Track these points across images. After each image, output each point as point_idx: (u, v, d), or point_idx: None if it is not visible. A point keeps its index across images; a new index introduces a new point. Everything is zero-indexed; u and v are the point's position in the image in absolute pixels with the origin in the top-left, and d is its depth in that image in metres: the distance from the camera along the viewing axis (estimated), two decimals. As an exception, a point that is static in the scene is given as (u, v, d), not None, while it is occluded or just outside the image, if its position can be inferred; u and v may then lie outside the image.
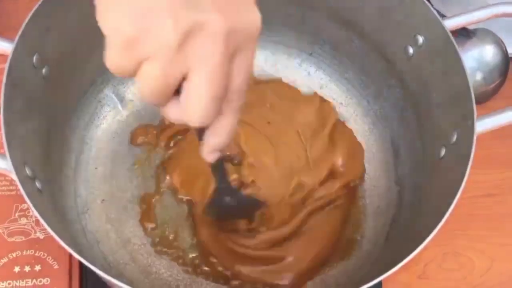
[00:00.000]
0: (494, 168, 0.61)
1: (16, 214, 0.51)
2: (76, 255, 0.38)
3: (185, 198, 0.54)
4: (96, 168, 0.55)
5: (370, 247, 0.52)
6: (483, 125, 0.43)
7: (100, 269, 0.38)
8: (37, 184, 0.43)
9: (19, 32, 0.43)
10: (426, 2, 0.48)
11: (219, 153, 0.38)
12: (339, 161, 0.55)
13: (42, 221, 0.38)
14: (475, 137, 0.42)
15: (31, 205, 0.38)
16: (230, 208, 0.50)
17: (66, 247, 0.38)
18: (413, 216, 0.50)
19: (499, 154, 0.61)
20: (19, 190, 0.49)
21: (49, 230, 0.38)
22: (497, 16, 0.48)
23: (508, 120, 0.44)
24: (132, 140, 0.57)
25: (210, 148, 0.37)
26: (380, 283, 0.41)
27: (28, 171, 0.42)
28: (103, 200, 0.54)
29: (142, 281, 0.50)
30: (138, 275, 0.50)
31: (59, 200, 0.49)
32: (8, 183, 0.52)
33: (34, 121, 0.45)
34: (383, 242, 0.52)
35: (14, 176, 0.39)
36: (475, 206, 0.58)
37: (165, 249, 0.52)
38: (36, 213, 0.38)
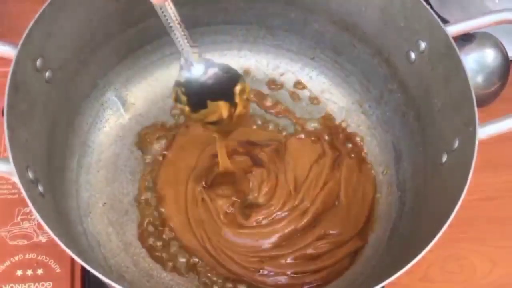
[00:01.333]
0: (494, 171, 0.61)
1: (19, 218, 0.51)
2: (77, 259, 0.38)
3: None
4: (98, 172, 0.55)
5: (370, 252, 0.52)
6: (484, 131, 0.43)
7: (101, 273, 0.38)
8: (39, 188, 0.43)
9: (23, 37, 0.43)
10: (429, 7, 0.48)
11: None
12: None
13: (43, 224, 0.38)
14: (476, 144, 0.42)
15: (33, 208, 0.38)
16: (204, 86, 0.47)
17: (68, 250, 0.38)
18: (414, 221, 0.50)
19: (500, 157, 0.61)
20: (21, 193, 0.49)
21: (50, 233, 0.38)
22: (499, 23, 0.48)
23: (509, 126, 0.44)
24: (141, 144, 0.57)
25: None
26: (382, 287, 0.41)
27: (30, 175, 0.42)
28: (105, 203, 0.54)
29: (143, 285, 0.50)
30: (140, 279, 0.50)
31: (61, 203, 0.49)
32: (10, 187, 0.52)
33: (37, 125, 0.45)
34: (384, 247, 0.52)
35: (16, 180, 0.39)
36: (476, 209, 0.58)
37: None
38: (38, 217, 0.38)
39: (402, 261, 0.39)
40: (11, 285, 0.48)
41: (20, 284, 0.49)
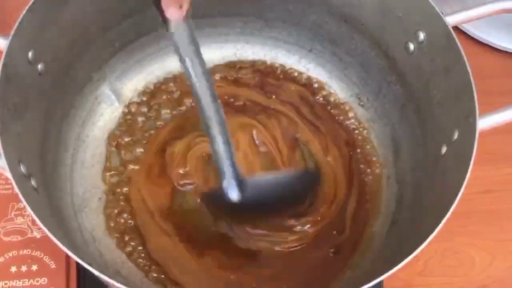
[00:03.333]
0: (492, 164, 0.60)
1: (12, 213, 0.51)
2: (71, 255, 0.37)
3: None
4: (93, 166, 0.54)
5: (369, 245, 0.52)
6: (484, 122, 0.43)
7: (96, 269, 0.37)
8: (33, 182, 0.42)
9: (14, 28, 0.42)
10: (427, -3, 0.47)
11: (177, 6, 0.37)
12: None
13: (37, 219, 0.37)
14: (477, 135, 0.42)
15: (26, 203, 0.38)
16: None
17: (62, 246, 0.37)
18: (413, 214, 0.49)
19: (497, 150, 0.61)
20: (15, 189, 0.49)
21: (44, 229, 0.37)
22: (498, 12, 0.48)
23: (510, 117, 0.43)
24: None
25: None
26: (380, 281, 0.41)
27: (23, 169, 0.41)
28: (100, 198, 0.53)
29: (139, 280, 0.49)
30: (135, 274, 0.50)
31: (55, 198, 0.48)
32: (3, 182, 0.52)
33: (29, 118, 0.45)
34: (383, 240, 0.51)
35: (8, 174, 0.38)
36: (474, 202, 0.58)
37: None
38: (31, 212, 0.37)
39: (401, 254, 0.39)
40: (5, 281, 0.48)
41: (15, 281, 0.48)
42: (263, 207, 0.49)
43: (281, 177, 0.52)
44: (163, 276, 0.50)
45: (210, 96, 0.44)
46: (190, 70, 0.43)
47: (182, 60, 0.43)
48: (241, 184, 0.47)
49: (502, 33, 0.66)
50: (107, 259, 0.50)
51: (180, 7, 0.38)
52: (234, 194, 0.48)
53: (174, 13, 0.38)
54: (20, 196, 0.38)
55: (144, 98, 0.58)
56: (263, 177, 0.51)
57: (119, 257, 0.51)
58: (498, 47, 0.67)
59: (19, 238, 0.50)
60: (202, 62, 0.43)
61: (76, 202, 0.52)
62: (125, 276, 0.49)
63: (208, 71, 0.44)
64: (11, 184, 0.51)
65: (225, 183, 0.47)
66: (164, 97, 0.58)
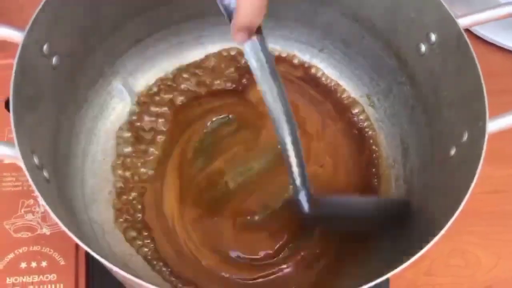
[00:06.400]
0: (500, 164, 0.61)
1: (22, 210, 0.51)
2: (83, 245, 0.37)
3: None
4: (104, 159, 0.55)
5: (376, 244, 0.52)
6: (494, 125, 0.43)
7: (107, 260, 0.38)
8: (45, 173, 0.42)
9: (30, 21, 0.42)
10: (441, -1, 0.47)
11: (247, 33, 0.39)
12: None
13: (49, 209, 0.38)
14: (486, 138, 0.42)
15: (38, 193, 0.38)
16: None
17: (73, 236, 0.37)
18: (420, 215, 0.49)
19: (505, 151, 0.61)
20: (25, 186, 0.49)
21: (55, 218, 0.37)
22: (509, 16, 0.47)
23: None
24: None
25: (235, 26, 0.38)
26: (387, 279, 0.41)
27: (36, 160, 0.41)
28: (110, 191, 0.54)
29: (147, 273, 0.50)
30: (144, 266, 0.50)
31: (66, 190, 0.48)
32: (14, 179, 0.52)
33: (43, 110, 0.45)
34: (390, 239, 0.51)
35: (21, 164, 0.38)
36: (481, 202, 0.58)
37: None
38: (43, 202, 0.38)
39: (407, 254, 0.39)
40: (15, 277, 0.48)
41: (25, 276, 0.49)
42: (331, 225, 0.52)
43: (357, 202, 0.53)
44: (170, 271, 0.50)
45: (285, 116, 0.44)
46: (263, 88, 0.43)
47: (256, 80, 0.43)
48: (312, 200, 0.48)
49: (509, 33, 0.66)
50: (116, 251, 0.51)
51: (250, 33, 0.39)
52: (305, 207, 0.48)
53: (242, 39, 0.40)
54: (33, 186, 0.38)
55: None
56: (336, 198, 0.52)
57: (127, 249, 0.51)
58: (505, 47, 0.67)
59: (29, 234, 0.50)
60: (276, 80, 0.43)
61: (87, 195, 0.52)
62: (133, 268, 0.50)
63: (283, 91, 0.43)
64: (21, 181, 0.52)
65: (298, 196, 0.48)
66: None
